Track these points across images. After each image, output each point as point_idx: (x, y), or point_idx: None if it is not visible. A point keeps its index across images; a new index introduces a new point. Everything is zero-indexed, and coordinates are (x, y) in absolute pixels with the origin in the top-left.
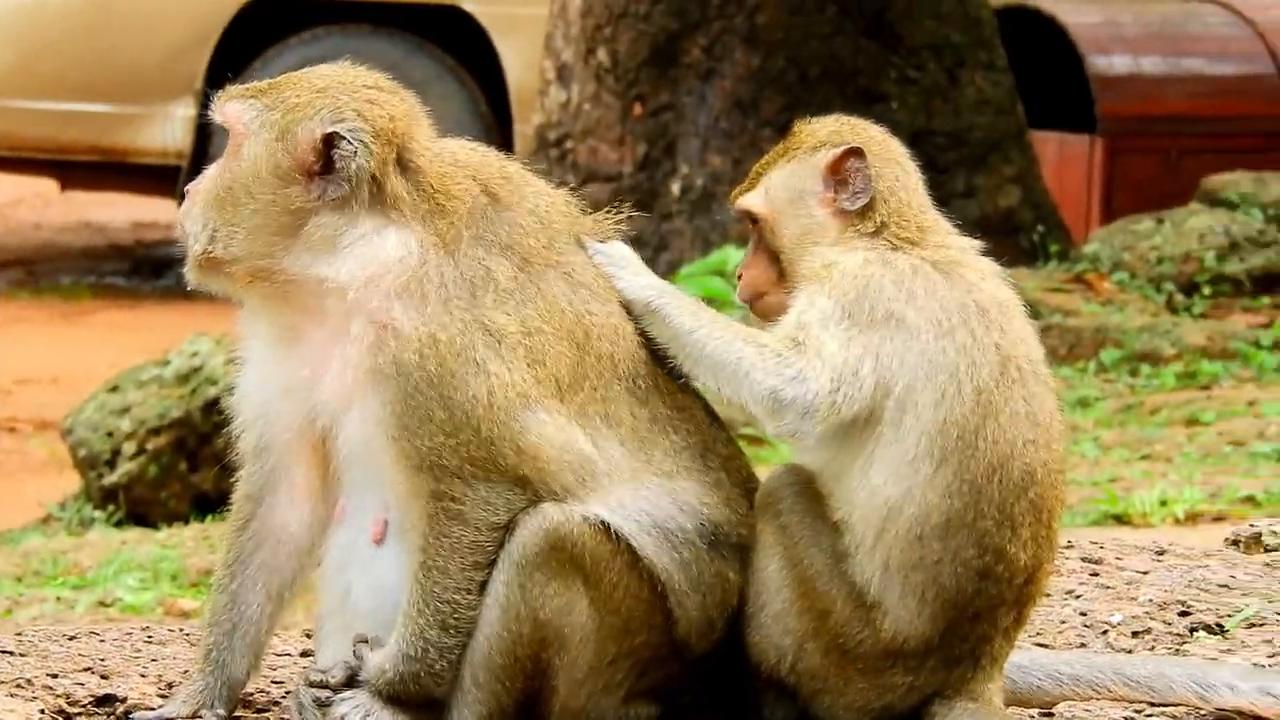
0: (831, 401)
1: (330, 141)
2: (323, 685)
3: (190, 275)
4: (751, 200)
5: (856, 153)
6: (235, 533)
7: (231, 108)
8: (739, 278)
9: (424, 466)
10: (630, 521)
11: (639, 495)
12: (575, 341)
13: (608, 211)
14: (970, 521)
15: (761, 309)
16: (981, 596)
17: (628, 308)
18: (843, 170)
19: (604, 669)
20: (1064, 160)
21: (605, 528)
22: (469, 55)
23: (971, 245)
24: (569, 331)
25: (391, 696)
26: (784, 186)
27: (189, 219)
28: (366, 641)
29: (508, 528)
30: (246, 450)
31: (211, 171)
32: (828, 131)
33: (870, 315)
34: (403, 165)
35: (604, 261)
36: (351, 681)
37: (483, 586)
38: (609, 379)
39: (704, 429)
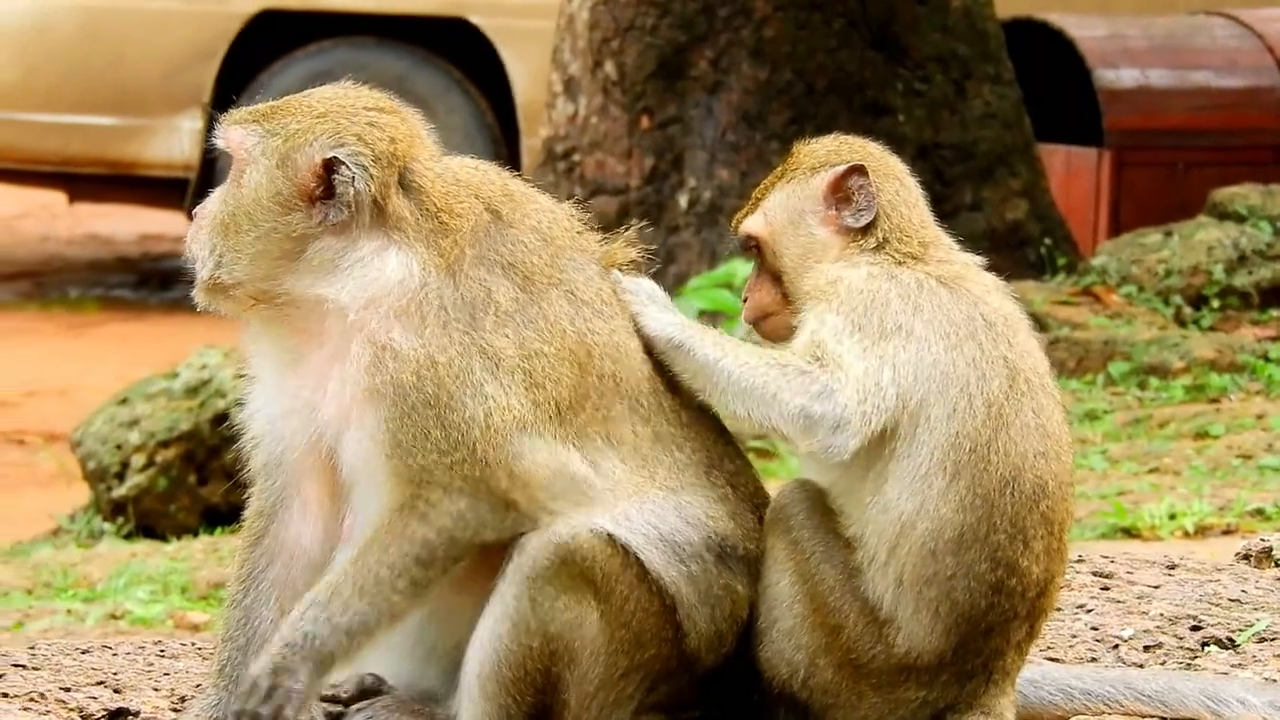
0: (862, 412)
1: (330, 166)
2: (334, 700)
3: (199, 297)
4: (752, 224)
5: (858, 170)
6: (248, 548)
7: (234, 133)
8: (744, 300)
9: (413, 479)
10: (636, 535)
11: (644, 509)
12: (577, 362)
13: (614, 227)
14: (983, 535)
15: (768, 329)
16: (994, 610)
17: (651, 345)
18: (844, 188)
19: (615, 682)
20: (1071, 173)
21: (613, 541)
22: (476, 68)
23: (973, 260)
24: (570, 351)
25: (306, 658)
26: (784, 208)
27: (196, 243)
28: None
29: (511, 544)
30: (257, 467)
31: (217, 196)
32: (826, 151)
33: (880, 327)
34: (405, 186)
35: (630, 299)
36: (363, 695)
37: (414, 583)
38: (611, 398)
39: (710, 444)
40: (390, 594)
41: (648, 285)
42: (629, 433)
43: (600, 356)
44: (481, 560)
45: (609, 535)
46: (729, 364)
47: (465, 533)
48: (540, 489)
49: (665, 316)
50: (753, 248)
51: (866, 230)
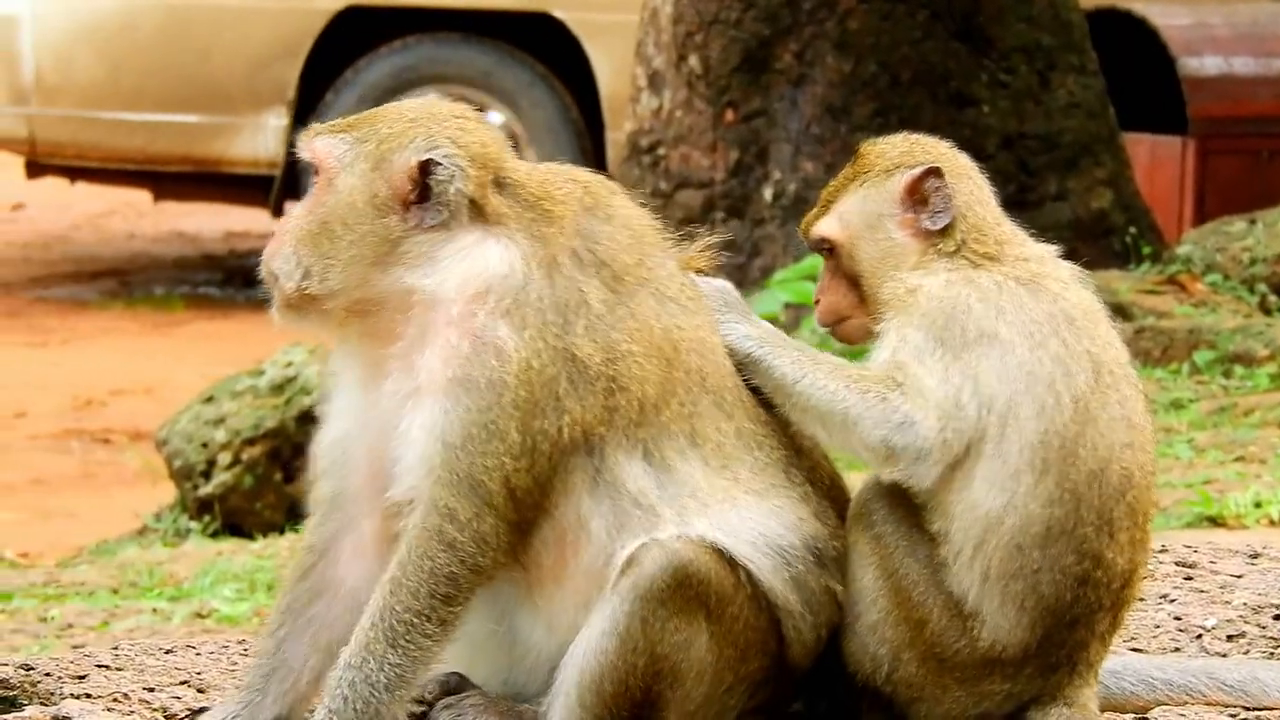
0: (942, 441)
1: (426, 169)
2: (419, 700)
3: (278, 315)
4: (827, 226)
5: (935, 172)
6: (294, 581)
7: (320, 144)
8: (816, 303)
9: (453, 484)
10: (743, 544)
11: (744, 516)
12: (664, 358)
13: (699, 220)
14: (1070, 529)
15: (845, 333)
16: (1080, 602)
17: (730, 354)
18: (921, 190)
19: (718, 698)
20: (1156, 162)
21: (725, 558)
22: (560, 63)
23: (1049, 251)
24: (658, 348)
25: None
26: (860, 211)
27: (278, 259)
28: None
29: (620, 555)
30: (318, 501)
31: (300, 210)
32: (899, 152)
33: (963, 337)
34: (500, 185)
35: (711, 303)
36: (446, 694)
37: (443, 623)
38: (698, 393)
39: (785, 441)
40: (421, 639)
41: (725, 289)
42: (713, 430)
43: (687, 351)
44: (589, 566)
45: (722, 552)
46: (806, 385)
47: (485, 559)
48: (559, 513)
49: (741, 328)
50: (826, 250)
51: (945, 232)
